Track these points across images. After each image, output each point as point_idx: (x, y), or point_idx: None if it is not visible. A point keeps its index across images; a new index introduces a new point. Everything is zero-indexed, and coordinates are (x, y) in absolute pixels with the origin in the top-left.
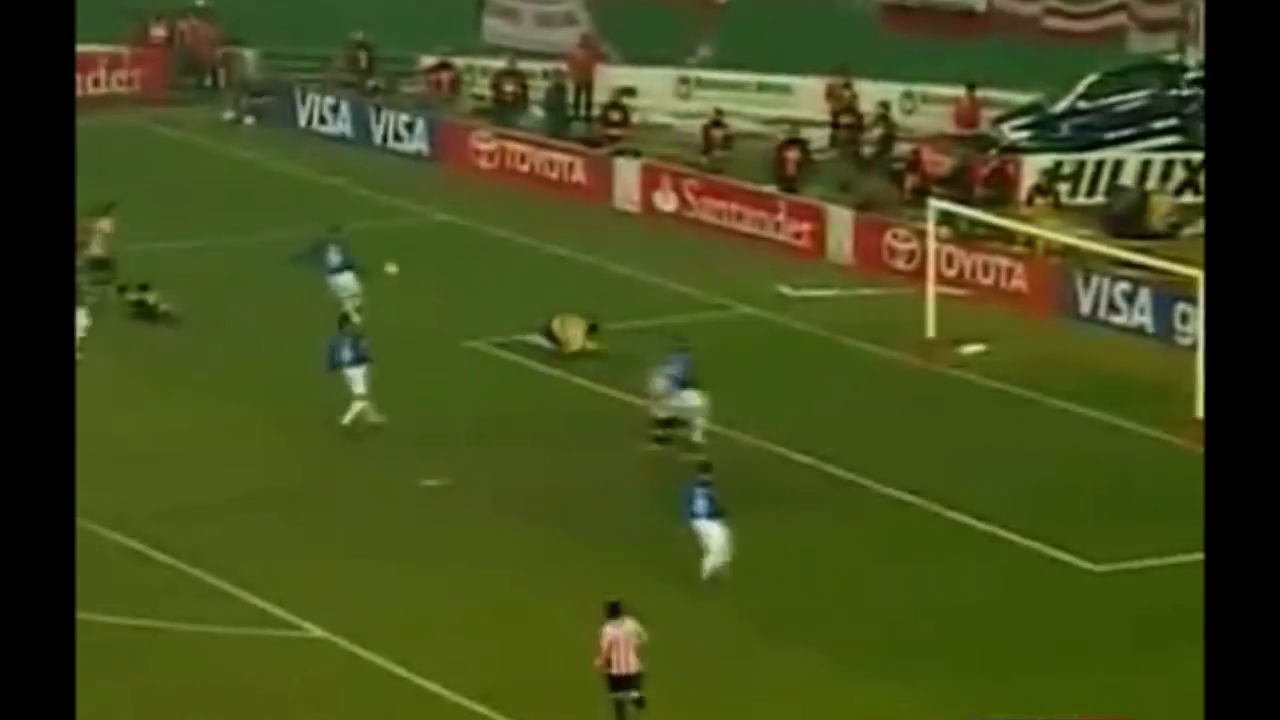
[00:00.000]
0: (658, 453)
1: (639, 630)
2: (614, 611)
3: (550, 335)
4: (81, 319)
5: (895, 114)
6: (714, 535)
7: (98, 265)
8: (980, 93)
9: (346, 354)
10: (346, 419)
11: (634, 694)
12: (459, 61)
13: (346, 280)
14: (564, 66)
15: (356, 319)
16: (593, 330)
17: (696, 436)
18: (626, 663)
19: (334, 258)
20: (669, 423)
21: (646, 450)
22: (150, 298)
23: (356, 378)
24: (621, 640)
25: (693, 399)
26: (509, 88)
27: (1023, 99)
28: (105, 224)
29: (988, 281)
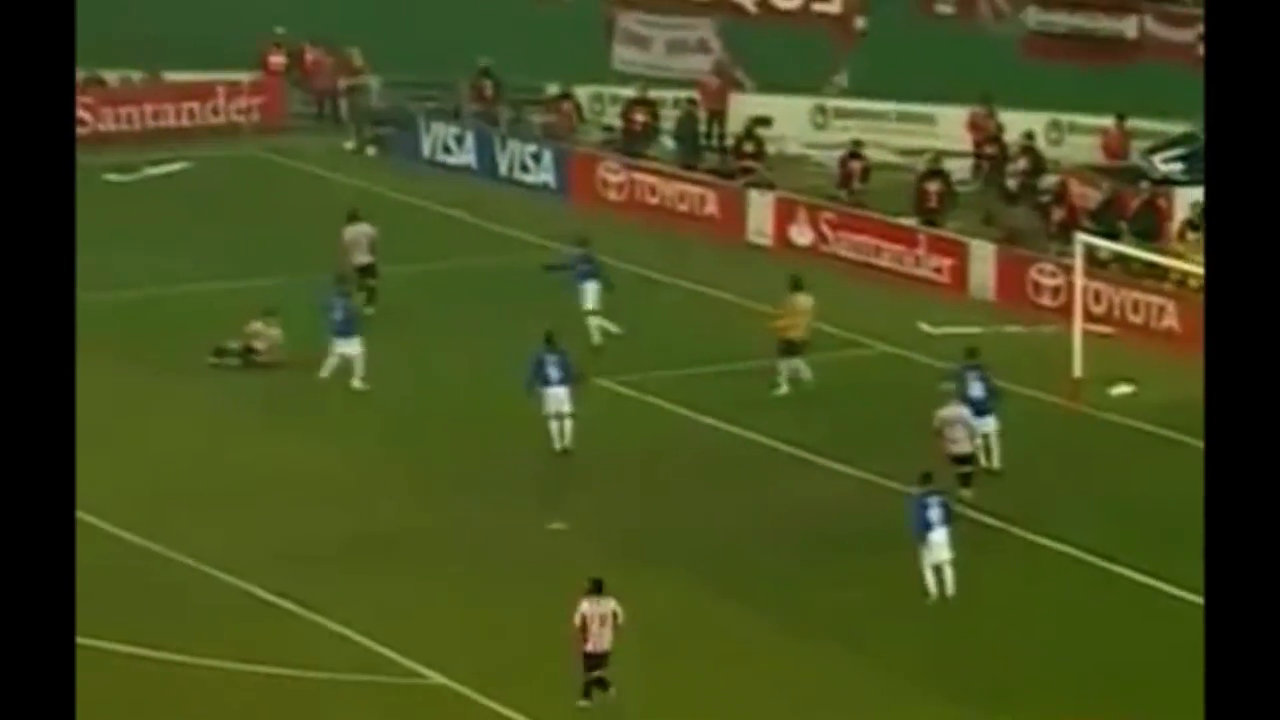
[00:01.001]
0: (966, 499)
1: (617, 609)
2: (596, 589)
3: (789, 347)
4: (356, 348)
5: (1040, 144)
6: (944, 544)
7: (365, 271)
8: (1130, 122)
9: (554, 372)
10: (566, 443)
11: (598, 673)
12: (585, 90)
13: (591, 289)
14: (696, 95)
15: (597, 338)
16: (797, 286)
17: (995, 463)
18: (601, 639)
19: (581, 267)
20: (967, 459)
21: (961, 498)
22: (255, 354)
23: (562, 396)
24: (598, 618)
25: (990, 425)
26: (639, 117)
27: (1175, 129)
28: (354, 231)
29: (1137, 320)
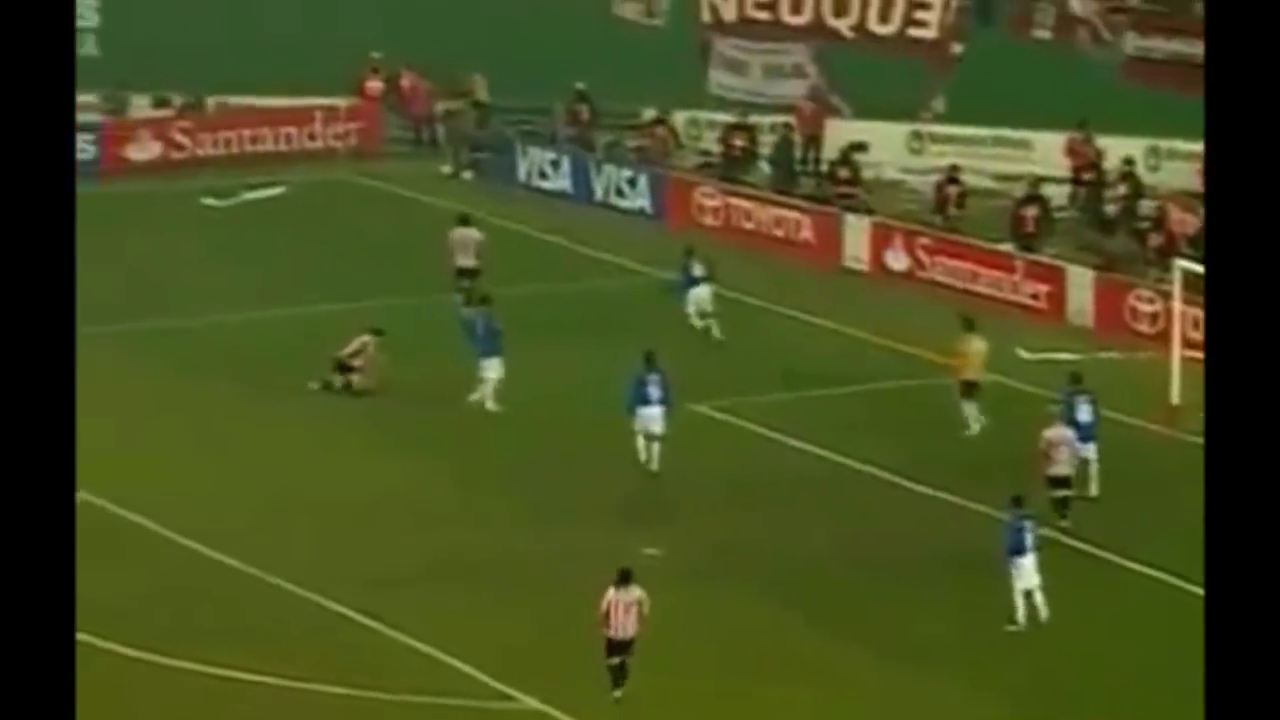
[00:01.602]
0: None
1: (642, 598)
2: (624, 579)
3: (968, 388)
4: (496, 371)
5: (1139, 170)
6: (1033, 569)
7: (466, 274)
8: None
9: (654, 391)
10: (654, 466)
11: (619, 659)
12: (681, 115)
13: (702, 293)
14: (792, 120)
15: (717, 334)
16: (970, 326)
17: (1092, 489)
18: (624, 627)
19: (695, 272)
20: (1064, 481)
21: (1058, 527)
22: (354, 373)
23: (655, 416)
24: (622, 605)
25: (1091, 451)
26: (738, 142)
27: None
28: (461, 234)
29: None
